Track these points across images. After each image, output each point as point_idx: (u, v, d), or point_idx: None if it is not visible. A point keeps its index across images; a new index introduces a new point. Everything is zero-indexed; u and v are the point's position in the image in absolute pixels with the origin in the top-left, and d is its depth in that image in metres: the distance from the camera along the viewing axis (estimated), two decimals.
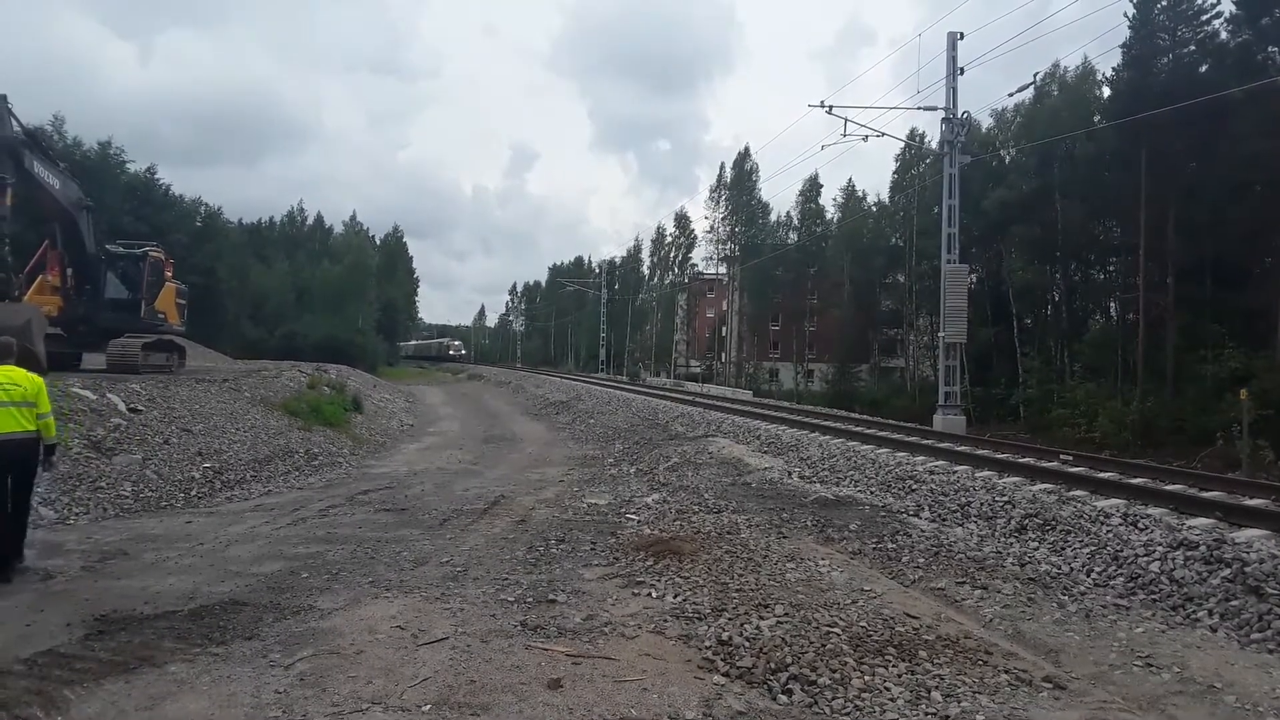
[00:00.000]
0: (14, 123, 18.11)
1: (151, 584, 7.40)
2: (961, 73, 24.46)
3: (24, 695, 4.82)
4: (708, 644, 5.94)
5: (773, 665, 5.51)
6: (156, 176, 59.53)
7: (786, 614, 6.46)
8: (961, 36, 24.43)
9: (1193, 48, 36.08)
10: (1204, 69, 35.00)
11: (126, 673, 5.20)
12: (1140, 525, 8.80)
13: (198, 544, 9.26)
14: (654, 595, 7.17)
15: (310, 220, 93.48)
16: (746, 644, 5.89)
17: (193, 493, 13.18)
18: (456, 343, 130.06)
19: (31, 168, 18.61)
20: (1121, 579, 7.86)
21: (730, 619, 6.40)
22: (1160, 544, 8.18)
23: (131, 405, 15.30)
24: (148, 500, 12.17)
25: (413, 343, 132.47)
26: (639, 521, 10.54)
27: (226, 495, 13.58)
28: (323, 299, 71.43)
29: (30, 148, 18.89)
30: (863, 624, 6.28)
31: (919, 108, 37.39)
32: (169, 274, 25.50)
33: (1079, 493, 10.60)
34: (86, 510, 11.10)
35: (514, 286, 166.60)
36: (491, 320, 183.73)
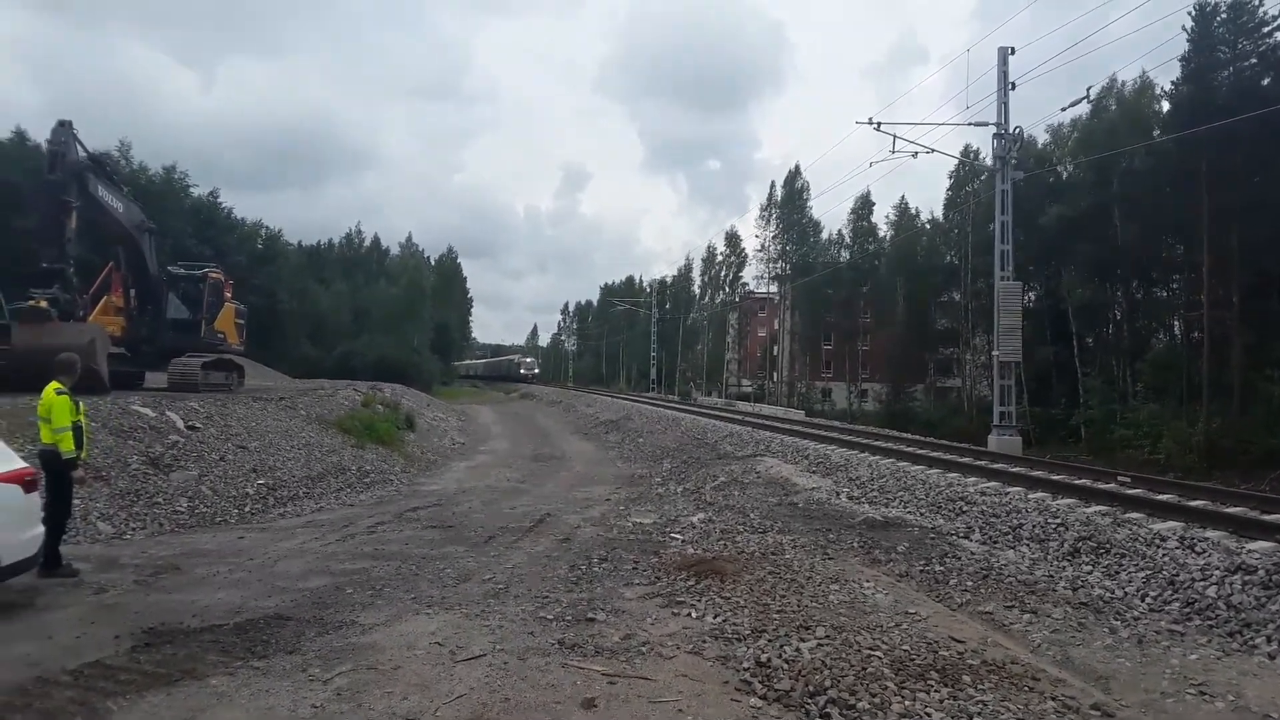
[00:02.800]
0: (79, 148, 18.82)
1: (200, 598, 7.55)
2: (1013, 88, 24.10)
3: (68, 705, 4.96)
4: (746, 665, 5.87)
5: (811, 688, 5.41)
6: (219, 200, 61.13)
7: (828, 636, 6.35)
8: (1013, 51, 24.10)
9: (1254, 60, 35.13)
10: (1266, 82, 34.06)
11: (169, 685, 5.31)
12: (1198, 549, 8.53)
13: (248, 559, 9.43)
14: (694, 615, 7.11)
15: (368, 242, 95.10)
16: (785, 666, 5.80)
17: (246, 509, 13.46)
18: (528, 360, 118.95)
19: (96, 191, 19.29)
20: (1177, 604, 7.62)
21: (770, 640, 6.32)
22: (1218, 568, 7.92)
23: (190, 423, 15.68)
24: (203, 516, 12.45)
25: (481, 361, 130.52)
26: (683, 541, 10.49)
27: (279, 511, 13.83)
28: (379, 319, 72.55)
29: (95, 172, 19.60)
30: (905, 647, 6.16)
31: (970, 123, 36.80)
32: (228, 295, 26.16)
33: (1135, 515, 10.31)
34: (143, 525, 11.38)
35: (566, 306, 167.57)
36: (544, 339, 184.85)
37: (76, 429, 8.43)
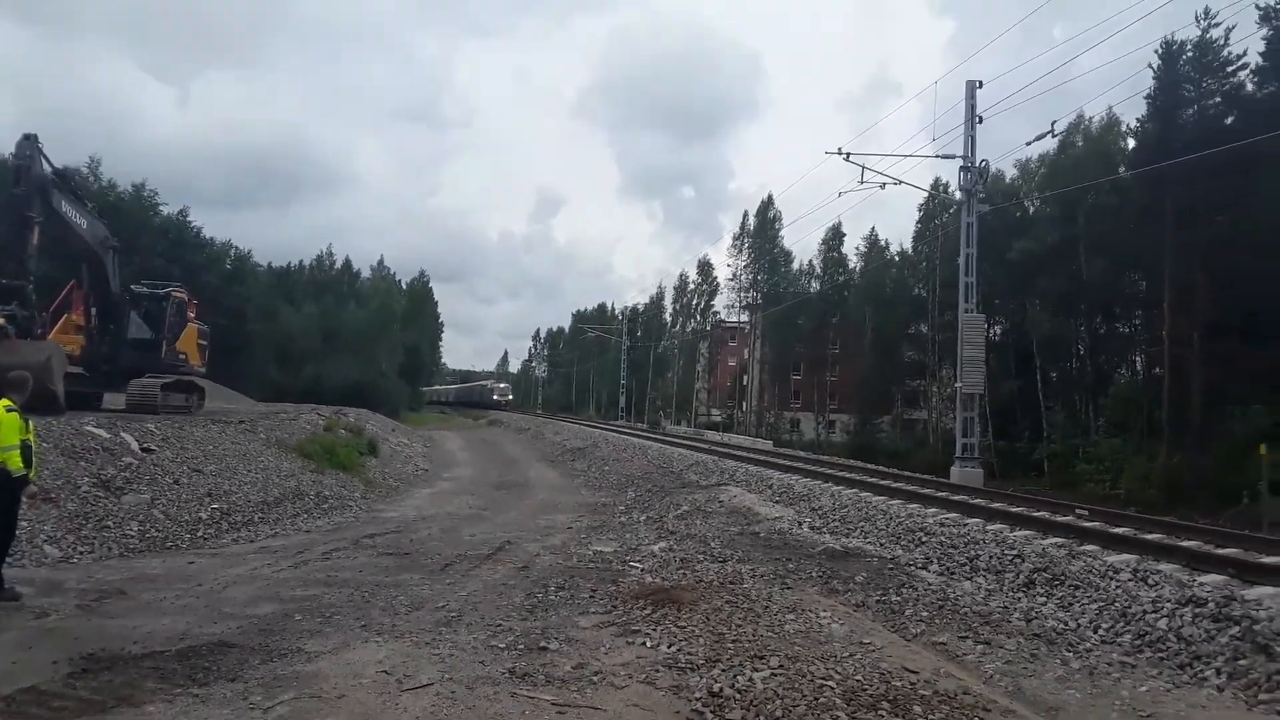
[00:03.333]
0: (44, 162, 18.57)
1: (144, 624, 7.38)
2: (980, 121, 24.54)
3: None
4: (698, 695, 5.81)
5: (762, 718, 5.36)
6: (189, 219, 60.65)
7: (781, 666, 6.31)
8: (980, 85, 24.56)
9: (1218, 99, 35.92)
10: (1230, 120, 34.82)
11: (103, 712, 5.19)
12: (1150, 581, 8.58)
13: (196, 585, 9.25)
14: (648, 644, 7.04)
15: (339, 264, 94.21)
16: (737, 696, 5.75)
17: (199, 533, 13.21)
18: (502, 385, 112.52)
19: (59, 206, 19.05)
20: (1129, 636, 7.64)
21: (724, 670, 6.26)
22: (1169, 600, 7.96)
23: (145, 445, 15.41)
24: (153, 540, 12.19)
25: (452, 386, 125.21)
26: (642, 570, 10.41)
27: (233, 536, 13.58)
28: (349, 342, 71.94)
29: (59, 187, 19.36)
30: (859, 678, 6.12)
31: (937, 155, 37.28)
32: (192, 314, 25.81)
33: (1091, 547, 10.39)
34: (91, 549, 11.12)
35: (537, 332, 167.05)
36: (515, 365, 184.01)
37: (25, 448, 8.25)
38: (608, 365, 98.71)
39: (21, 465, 8.15)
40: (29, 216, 17.96)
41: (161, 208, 57.77)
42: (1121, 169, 40.40)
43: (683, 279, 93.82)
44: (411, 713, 5.31)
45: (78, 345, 20.96)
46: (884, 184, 26.11)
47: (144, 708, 5.27)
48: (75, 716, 5.09)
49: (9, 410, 8.15)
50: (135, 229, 43.73)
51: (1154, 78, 37.16)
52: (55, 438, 13.48)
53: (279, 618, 7.73)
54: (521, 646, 6.90)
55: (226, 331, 42.18)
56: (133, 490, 13.31)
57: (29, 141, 18.30)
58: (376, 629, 7.39)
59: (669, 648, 6.93)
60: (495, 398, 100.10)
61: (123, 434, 15.34)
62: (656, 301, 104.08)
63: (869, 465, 29.52)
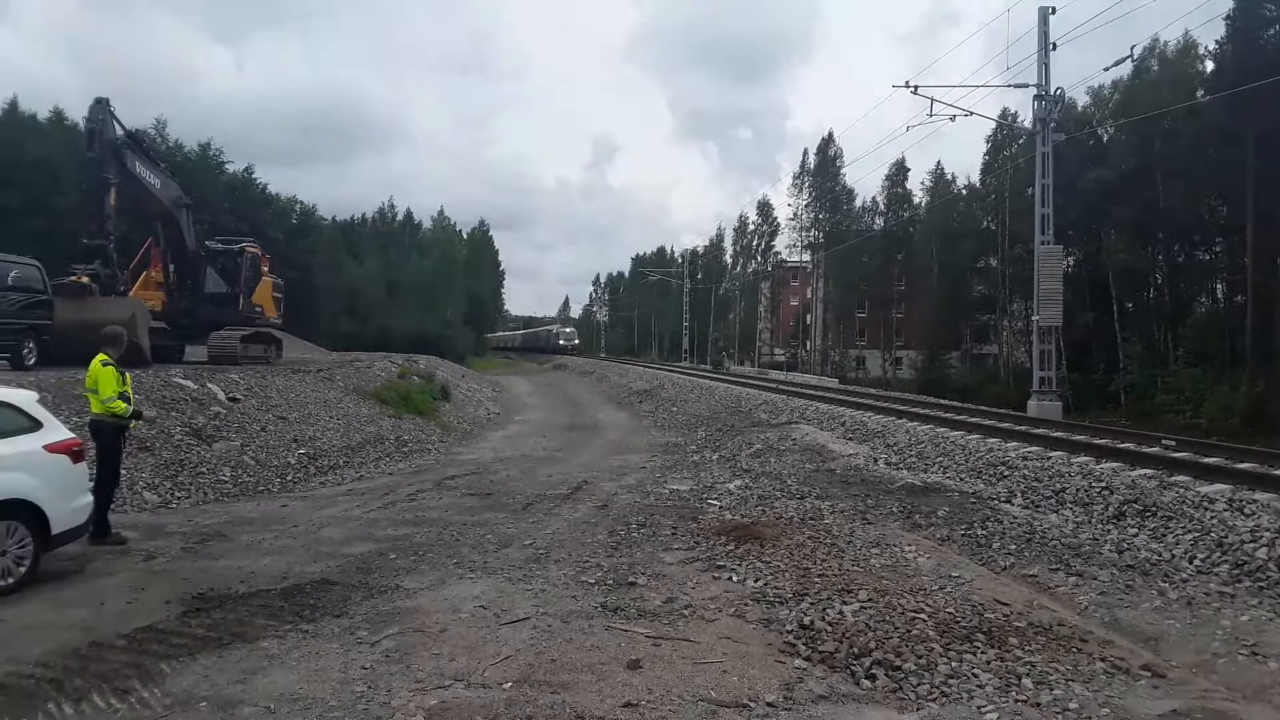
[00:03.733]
0: (116, 125, 18.99)
1: (247, 564, 7.66)
2: (1054, 48, 23.58)
3: (123, 669, 5.04)
4: (789, 628, 5.87)
5: (856, 650, 5.39)
6: (254, 176, 61.87)
7: (870, 599, 6.33)
8: (1053, 11, 23.54)
9: None
10: None
11: (220, 648, 5.39)
12: (1246, 511, 8.38)
13: (292, 526, 9.56)
14: (734, 579, 7.11)
15: (400, 217, 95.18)
16: (829, 629, 5.79)
17: (288, 478, 13.63)
18: (568, 330, 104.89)
19: (134, 168, 19.48)
20: (1226, 566, 7.48)
21: (812, 604, 6.31)
22: (1268, 530, 7.77)
23: (230, 395, 15.88)
24: (245, 485, 12.63)
25: (517, 332, 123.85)
26: (720, 507, 10.49)
27: (320, 480, 13.99)
28: (413, 293, 72.93)
29: (132, 149, 19.78)
30: (950, 610, 6.12)
31: (1010, 85, 36.40)
32: (265, 269, 26.38)
33: (1181, 478, 10.12)
34: (188, 494, 11.56)
35: (597, 277, 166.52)
36: (576, 311, 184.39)
37: (123, 399, 8.59)
38: (669, 308, 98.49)
39: (126, 408, 8.54)
40: (105, 178, 18.44)
41: (227, 165, 58.89)
42: (1200, 93, 38.64)
43: (742, 220, 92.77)
44: (512, 644, 5.45)
45: (158, 301, 21.59)
46: (954, 116, 25.29)
47: (258, 643, 5.48)
48: (193, 653, 5.31)
49: (105, 364, 8.47)
50: (203, 187, 44.68)
51: None
52: (146, 389, 13.94)
53: (374, 556, 7.97)
54: (610, 582, 7.02)
55: (295, 285, 42.97)
56: (223, 438, 13.76)
57: (101, 105, 18.71)
58: (469, 566, 7.57)
59: (755, 582, 6.99)
60: (561, 342, 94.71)
61: (209, 384, 15.81)
62: (716, 244, 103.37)
63: (941, 400, 29.15)
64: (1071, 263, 46.32)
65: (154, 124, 54.40)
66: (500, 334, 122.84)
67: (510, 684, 4.81)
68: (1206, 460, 11.41)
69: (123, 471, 9.65)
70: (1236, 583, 7.21)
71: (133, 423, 9.06)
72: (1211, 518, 8.44)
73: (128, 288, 20.07)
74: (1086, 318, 44.29)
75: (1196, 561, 7.72)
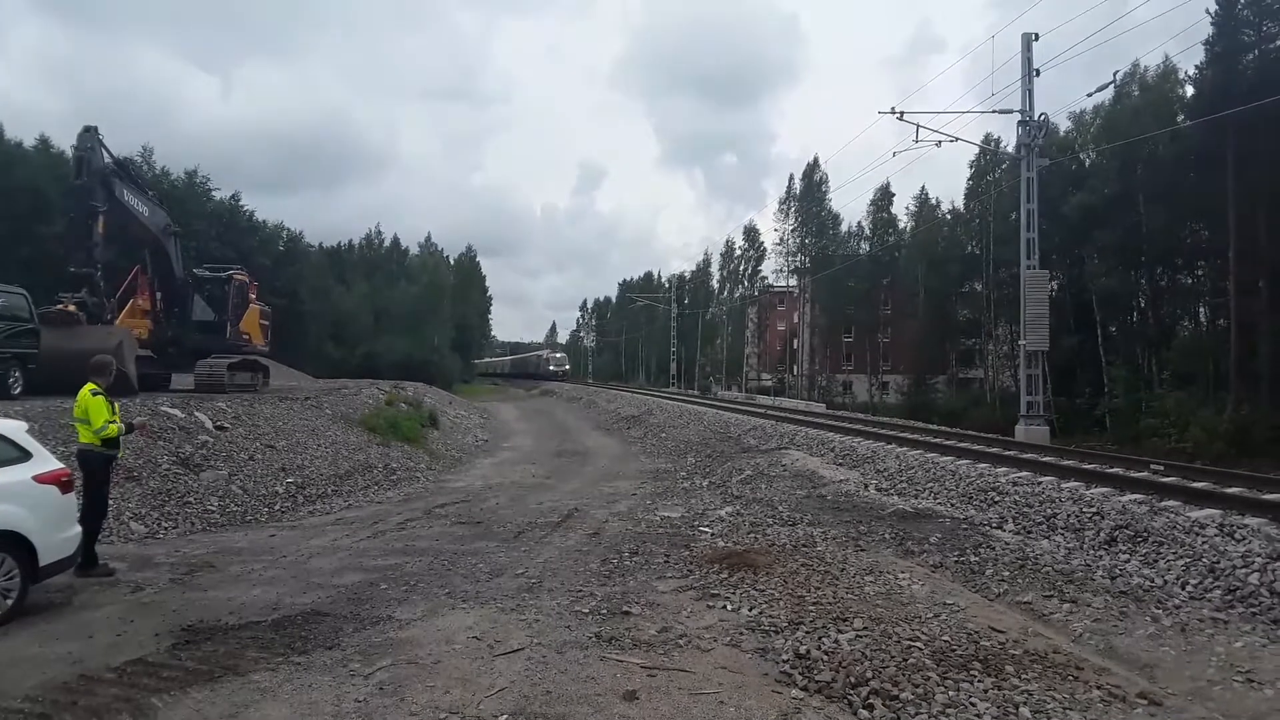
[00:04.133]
0: (105, 153, 19.00)
1: (236, 595, 7.59)
2: (1037, 74, 23.93)
3: (113, 702, 4.98)
4: (785, 657, 5.84)
5: (853, 679, 5.37)
6: (240, 203, 61.60)
7: (866, 628, 6.31)
8: (1036, 38, 23.91)
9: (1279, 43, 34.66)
10: None
11: (212, 681, 5.33)
12: (1238, 536, 8.43)
13: (281, 556, 9.48)
14: (729, 608, 7.08)
15: (387, 243, 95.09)
16: (825, 658, 5.76)
17: (276, 507, 13.55)
18: (559, 355, 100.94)
19: (122, 195, 19.49)
20: (1219, 591, 7.51)
21: (808, 632, 6.28)
22: (1260, 554, 7.82)
23: (218, 423, 15.78)
24: (233, 514, 12.54)
25: (506, 358, 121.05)
26: (712, 534, 10.46)
27: (309, 509, 13.90)
28: (400, 319, 72.82)
29: (120, 176, 19.80)
30: (946, 638, 6.11)
31: (994, 111, 36.45)
32: (253, 296, 26.34)
33: (1171, 503, 10.19)
34: (175, 524, 11.47)
35: (584, 303, 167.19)
36: (563, 337, 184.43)
37: (112, 425, 8.53)
38: (656, 333, 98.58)
39: (119, 428, 8.54)
40: (93, 206, 18.43)
41: (214, 193, 58.76)
42: (1180, 118, 39.16)
43: (729, 245, 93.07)
44: (506, 676, 5.40)
45: (145, 329, 21.53)
46: (939, 142, 25.54)
47: (249, 676, 5.42)
48: (185, 686, 5.24)
49: (94, 394, 8.42)
50: (190, 215, 44.56)
51: (1212, 23, 35.88)
52: (132, 418, 13.83)
53: (365, 586, 7.90)
54: (604, 611, 6.97)
55: (283, 312, 42.87)
56: (210, 467, 13.66)
57: (89, 134, 18.72)
58: (461, 596, 7.52)
59: (750, 611, 6.96)
60: (551, 368, 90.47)
61: (197, 413, 15.72)
62: (703, 269, 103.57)
63: (929, 425, 29.24)
64: (1055, 287, 46.61)
65: (140, 152, 54.28)
66: (488, 360, 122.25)
67: (506, 716, 4.77)
68: (1195, 485, 11.48)
69: (110, 502, 9.56)
70: (1229, 608, 7.24)
71: (128, 434, 8.97)
72: (1203, 543, 8.47)
73: (114, 316, 19.99)
74: (1070, 341, 44.51)
75: (1189, 587, 7.75)
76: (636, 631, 6.42)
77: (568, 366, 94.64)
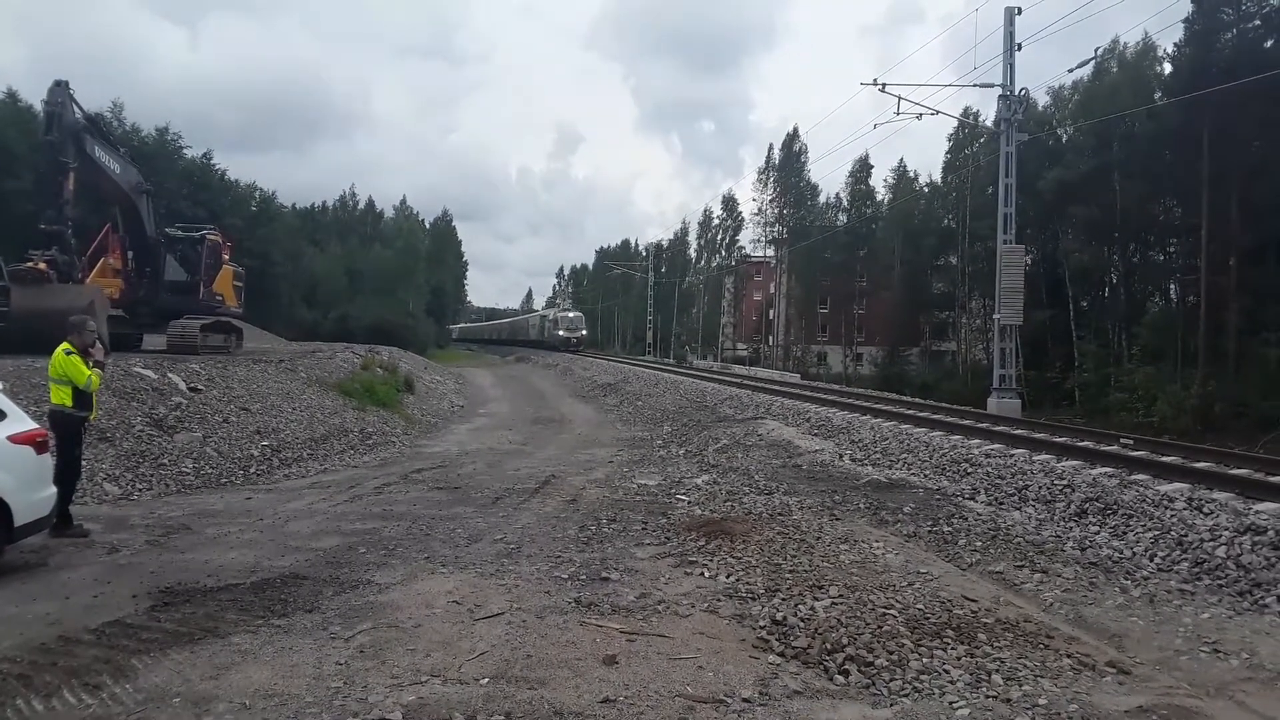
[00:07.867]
0: (75, 108, 18.59)
1: (214, 558, 7.58)
2: (1019, 48, 23.88)
3: (93, 664, 4.96)
4: (762, 624, 5.92)
5: (828, 646, 5.45)
6: (212, 162, 60.55)
7: (841, 595, 6.40)
8: (1019, 11, 23.84)
9: (1257, 23, 34.97)
10: (1269, 44, 33.86)
11: (192, 643, 5.33)
12: (1205, 510, 8.58)
13: (258, 519, 9.46)
14: (707, 575, 7.16)
15: (362, 205, 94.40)
16: (801, 624, 5.84)
17: (252, 470, 13.47)
18: (570, 315, 74.47)
19: (93, 152, 19.12)
20: (1186, 564, 7.67)
21: (784, 599, 6.37)
22: (1227, 528, 7.97)
23: (192, 385, 15.63)
24: (208, 477, 12.47)
25: (503, 322, 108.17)
26: (689, 502, 10.53)
27: (284, 473, 13.84)
28: (374, 282, 72.32)
29: (91, 133, 19.40)
30: (920, 606, 6.20)
31: (975, 85, 36.78)
32: (227, 256, 25.98)
33: (1141, 476, 10.35)
34: (150, 486, 11.39)
35: (561, 270, 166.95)
36: (539, 303, 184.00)
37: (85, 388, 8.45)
38: (632, 301, 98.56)
39: (100, 382, 8.59)
40: (64, 162, 18.08)
41: (185, 151, 57.75)
42: (1157, 95, 39.40)
43: (707, 214, 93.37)
44: (487, 640, 5.45)
45: (116, 288, 21.21)
46: (920, 115, 25.51)
47: (229, 638, 5.42)
48: (165, 648, 5.23)
49: (68, 353, 8.32)
50: (161, 173, 43.74)
51: (1191, 1, 36.04)
52: (106, 379, 13.61)
53: (343, 550, 7.91)
54: (583, 577, 7.03)
55: (255, 273, 42.29)
56: (185, 429, 13.54)
57: (60, 88, 18.31)
58: (440, 561, 7.55)
59: (727, 578, 7.04)
60: (562, 334, 67.26)
61: (170, 374, 15.56)
62: (680, 237, 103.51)
63: (903, 397, 29.50)
64: (1029, 261, 47.03)
65: (110, 107, 53.17)
66: (469, 325, 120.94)
67: (487, 680, 4.81)
68: (1164, 459, 11.67)
69: (83, 463, 9.48)
70: (1196, 580, 7.40)
71: (99, 375, 8.84)
72: (1171, 516, 8.63)
73: (85, 274, 19.70)
74: (1043, 316, 44.99)
75: (1157, 559, 7.91)
76: (615, 597, 6.48)
77: (584, 332, 70.70)
